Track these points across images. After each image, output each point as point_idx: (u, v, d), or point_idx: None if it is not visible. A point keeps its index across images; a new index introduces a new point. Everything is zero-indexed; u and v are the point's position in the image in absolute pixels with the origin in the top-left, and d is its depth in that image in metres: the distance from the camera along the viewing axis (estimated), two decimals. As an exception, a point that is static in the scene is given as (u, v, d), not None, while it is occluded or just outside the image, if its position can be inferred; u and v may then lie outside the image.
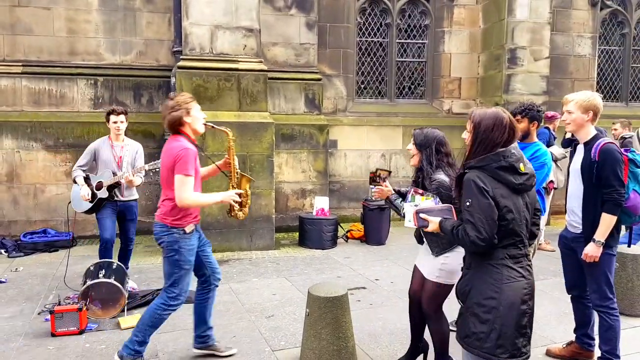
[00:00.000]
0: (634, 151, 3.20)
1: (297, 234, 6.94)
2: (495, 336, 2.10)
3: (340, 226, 7.08)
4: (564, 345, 3.48)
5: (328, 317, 3.14)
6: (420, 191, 2.42)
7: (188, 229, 3.14)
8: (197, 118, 3.23)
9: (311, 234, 6.62)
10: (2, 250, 6.22)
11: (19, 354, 3.47)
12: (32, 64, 6.95)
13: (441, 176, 2.89)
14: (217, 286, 3.43)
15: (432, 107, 8.71)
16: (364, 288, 4.96)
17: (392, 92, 8.57)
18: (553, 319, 4.14)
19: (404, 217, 2.60)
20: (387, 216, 7.02)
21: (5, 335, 3.78)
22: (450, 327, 3.13)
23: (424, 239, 3.00)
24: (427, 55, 8.70)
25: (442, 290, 2.96)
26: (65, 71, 7.04)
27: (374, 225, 6.90)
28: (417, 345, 3.28)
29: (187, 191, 3.03)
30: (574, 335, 3.46)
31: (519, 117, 3.69)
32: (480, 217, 2.08)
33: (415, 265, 3.17)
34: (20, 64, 6.90)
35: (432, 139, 2.98)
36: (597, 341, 3.25)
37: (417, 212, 2.41)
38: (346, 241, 7.02)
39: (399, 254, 6.28)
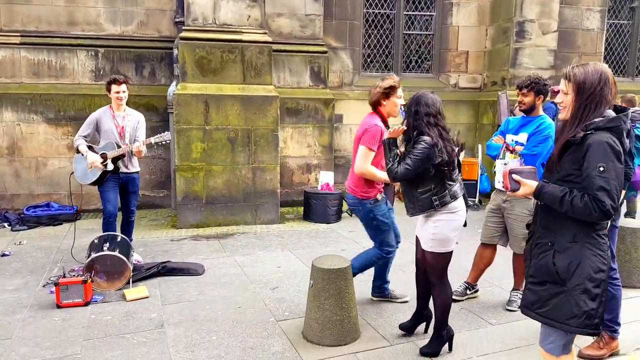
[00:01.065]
0: (639, 127, 3.13)
1: (302, 208, 6.91)
2: (602, 310, 2.01)
3: (345, 201, 7.02)
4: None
5: (331, 289, 3.19)
6: (512, 148, 2.19)
7: (379, 197, 3.55)
8: (394, 103, 3.50)
9: (316, 208, 6.58)
10: (6, 224, 6.21)
11: (24, 325, 3.47)
12: (31, 34, 6.82)
13: (425, 137, 2.88)
14: (397, 247, 3.84)
15: (438, 82, 8.55)
16: (369, 262, 4.93)
17: (399, 65, 8.41)
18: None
19: (390, 162, 2.87)
20: (392, 191, 6.93)
21: (11, 307, 3.78)
22: (454, 297, 3.27)
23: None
24: (434, 28, 8.50)
25: (440, 259, 3.00)
26: (64, 42, 6.91)
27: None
28: (421, 313, 3.32)
29: (366, 162, 3.38)
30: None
31: (525, 90, 3.65)
32: (615, 184, 1.92)
33: (416, 235, 3.22)
34: (18, 34, 6.77)
35: (414, 101, 3.00)
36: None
37: (510, 173, 2.16)
38: (350, 215, 6.97)
39: (402, 227, 6.18)
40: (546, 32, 8.07)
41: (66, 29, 6.94)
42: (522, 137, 3.64)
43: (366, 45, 8.27)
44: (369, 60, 8.34)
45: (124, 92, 4.60)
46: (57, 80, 6.94)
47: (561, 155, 2.08)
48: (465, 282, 4.07)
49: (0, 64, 6.74)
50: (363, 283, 4.22)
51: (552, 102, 6.39)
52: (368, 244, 5.49)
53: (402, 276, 4.42)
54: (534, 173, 2.16)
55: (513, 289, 3.91)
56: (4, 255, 5.02)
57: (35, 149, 6.85)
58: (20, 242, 5.53)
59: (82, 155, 4.55)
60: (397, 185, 3.42)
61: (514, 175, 2.13)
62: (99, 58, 7.05)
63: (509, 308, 3.79)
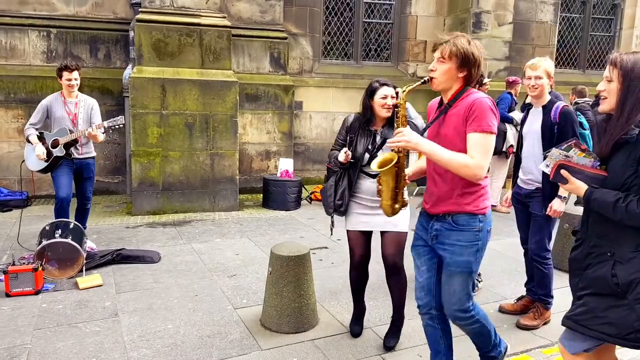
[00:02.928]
0: (581, 115, 3.41)
1: (261, 195, 6.94)
2: None
3: (305, 188, 7.11)
4: (516, 301, 3.70)
5: (290, 276, 3.21)
6: (583, 146, 2.03)
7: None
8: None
9: (275, 195, 6.62)
10: (-49, 210, 5.95)
11: (-29, 315, 3.38)
12: (-24, 11, 6.47)
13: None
14: None
15: (397, 70, 8.69)
16: (325, 248, 5.04)
17: (359, 53, 8.49)
18: (505, 278, 4.35)
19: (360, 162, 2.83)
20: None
21: (-44, 296, 3.66)
22: None
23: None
24: (393, 16, 8.61)
25: (405, 239, 3.04)
26: (15, 22, 6.60)
27: (338, 187, 6.94)
28: (362, 308, 3.33)
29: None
30: (525, 289, 3.69)
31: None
32: None
33: (355, 230, 3.09)
34: (-38, 11, 6.41)
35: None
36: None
37: (561, 166, 1.98)
38: (310, 203, 7.07)
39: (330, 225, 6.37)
40: (502, 23, 8.33)
41: (17, 8, 6.63)
42: None
43: (326, 33, 8.30)
44: (329, 47, 8.37)
45: (75, 79, 4.46)
46: (7, 62, 6.64)
47: (609, 157, 1.87)
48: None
49: (-59, 42, 6.38)
50: (322, 270, 4.33)
51: (508, 93, 6.64)
52: (326, 231, 5.62)
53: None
54: (599, 179, 1.91)
55: None
56: (-52, 243, 4.83)
57: (-18, 133, 6.55)
58: (-34, 229, 5.32)
59: (32, 144, 4.42)
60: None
61: (562, 171, 1.97)
62: (52, 39, 6.78)
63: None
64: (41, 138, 4.47)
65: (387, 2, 8.56)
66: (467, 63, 2.15)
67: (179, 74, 6.19)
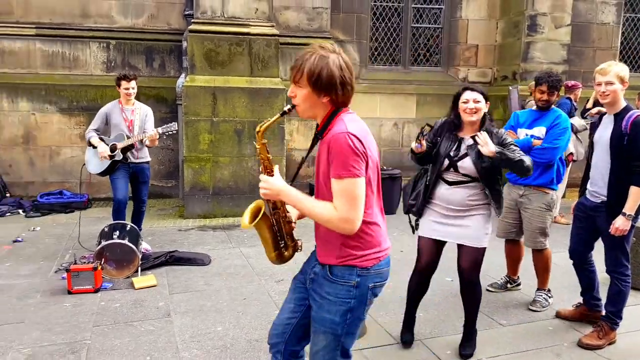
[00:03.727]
0: None
1: (308, 201, 6.97)
2: None
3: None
4: (574, 307, 3.59)
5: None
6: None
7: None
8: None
9: (321, 201, 6.63)
10: (20, 211, 6.39)
11: (36, 310, 3.61)
12: (45, 26, 6.93)
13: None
14: None
15: (447, 75, 8.54)
16: (372, 255, 4.99)
17: (407, 59, 8.41)
18: (565, 293, 4.11)
19: (523, 162, 2.80)
20: (399, 185, 7.02)
21: (24, 291, 3.93)
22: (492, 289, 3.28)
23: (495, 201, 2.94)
24: (443, 21, 8.48)
25: (483, 253, 2.99)
26: (78, 34, 7.03)
27: (385, 195, 6.76)
28: (413, 319, 3.27)
29: None
30: (582, 298, 3.55)
31: (545, 86, 3.59)
32: None
33: (426, 237, 3.07)
34: (33, 25, 6.89)
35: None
36: (603, 301, 3.34)
37: None
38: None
39: (408, 223, 6.28)
40: (559, 25, 8.01)
41: (79, 21, 7.05)
42: (540, 130, 3.63)
43: (373, 39, 8.28)
44: (376, 53, 8.35)
45: (132, 88, 4.71)
46: (71, 72, 7.07)
47: None
48: (505, 275, 4.11)
49: (16, 55, 6.88)
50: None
51: (567, 98, 6.37)
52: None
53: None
54: None
55: (537, 289, 3.87)
56: (17, 241, 5.18)
57: (49, 138, 7.00)
58: (33, 228, 5.70)
59: (94, 147, 4.68)
60: None
61: None
62: (111, 50, 7.15)
63: (532, 308, 3.72)
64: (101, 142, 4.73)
65: (437, 6, 8.44)
66: (324, 86, 1.71)
67: (228, 82, 6.37)
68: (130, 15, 7.21)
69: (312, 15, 7.43)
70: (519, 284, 4.14)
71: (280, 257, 2.09)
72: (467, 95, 2.93)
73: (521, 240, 3.93)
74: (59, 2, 6.95)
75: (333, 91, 1.72)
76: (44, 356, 2.99)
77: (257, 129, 1.87)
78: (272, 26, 6.62)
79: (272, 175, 1.82)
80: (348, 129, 1.69)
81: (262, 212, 1.93)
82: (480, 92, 2.95)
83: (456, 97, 2.99)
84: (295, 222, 2.06)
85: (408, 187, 3.18)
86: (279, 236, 2.04)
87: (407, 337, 3.21)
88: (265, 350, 3.10)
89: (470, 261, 2.96)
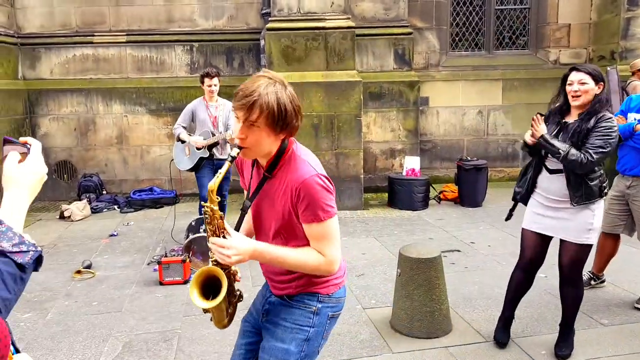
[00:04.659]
0: None
1: (386, 194, 6.84)
2: None
3: (432, 187, 6.85)
4: None
5: (420, 279, 3.09)
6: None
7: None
8: None
9: (401, 194, 6.47)
10: (115, 207, 6.86)
11: (132, 300, 3.82)
12: (135, 33, 7.38)
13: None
14: None
15: (536, 58, 7.95)
16: (458, 251, 4.77)
17: (491, 43, 7.93)
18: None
19: (558, 157, 2.54)
20: (485, 176, 6.65)
21: (121, 282, 4.18)
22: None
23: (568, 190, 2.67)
24: (530, 1, 7.89)
25: (588, 250, 2.77)
26: (164, 38, 7.40)
27: (470, 186, 6.58)
28: (511, 319, 3.07)
29: None
30: None
31: None
32: None
33: (529, 229, 2.88)
34: (124, 33, 7.35)
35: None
36: None
37: None
38: (438, 202, 6.78)
39: (497, 216, 5.94)
40: (665, -2, 7.15)
41: (165, 27, 7.42)
42: None
43: (454, 24, 7.90)
44: (457, 39, 7.96)
45: (215, 85, 4.84)
46: (158, 75, 7.46)
47: None
48: (589, 271, 3.79)
49: (109, 62, 7.39)
50: (454, 274, 4.10)
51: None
52: (459, 233, 5.36)
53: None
54: None
55: None
56: (113, 235, 5.55)
57: (139, 138, 7.45)
58: (128, 223, 6.08)
59: (182, 142, 4.88)
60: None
61: None
62: (194, 52, 7.46)
63: (638, 306, 3.46)
64: (185, 142, 4.91)
65: (522, -15, 7.88)
66: (284, 122, 1.49)
67: (305, 78, 6.37)
68: (211, 17, 7.46)
69: (389, 5, 7.23)
70: (603, 281, 3.84)
71: (230, 320, 1.77)
72: (573, 76, 2.69)
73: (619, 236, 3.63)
74: (146, 9, 7.36)
75: (291, 123, 1.52)
76: (139, 344, 3.14)
77: (210, 186, 1.52)
78: (348, 18, 6.52)
79: (228, 237, 1.52)
80: (315, 170, 1.54)
81: (223, 287, 1.53)
82: (588, 73, 2.65)
83: (563, 79, 2.75)
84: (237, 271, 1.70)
85: (521, 174, 3.00)
86: (229, 299, 1.71)
87: (501, 337, 3.01)
88: (348, 345, 3.05)
89: (571, 257, 2.76)
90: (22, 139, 1.11)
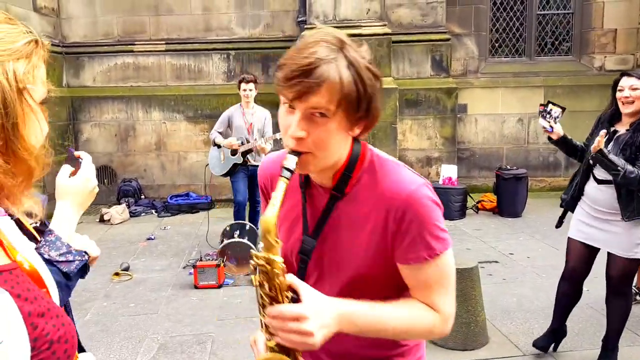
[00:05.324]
0: None
1: (422, 203, 6.70)
2: None
3: (470, 196, 6.67)
4: None
5: (456, 289, 2.96)
6: None
7: None
8: None
9: (437, 203, 6.33)
10: (153, 211, 7.00)
11: (168, 302, 3.87)
12: (174, 41, 7.56)
13: None
14: None
15: (580, 64, 7.67)
16: (496, 262, 4.61)
17: (532, 49, 7.70)
18: None
19: (616, 175, 2.41)
20: (525, 186, 6.44)
21: (158, 285, 4.24)
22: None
23: (619, 204, 2.55)
24: (573, 5, 7.63)
25: (636, 265, 2.67)
26: (201, 47, 7.54)
27: (509, 196, 6.38)
28: (560, 330, 2.95)
29: None
30: None
31: None
32: None
33: (574, 239, 2.78)
34: (163, 42, 7.55)
35: None
36: None
37: None
38: (476, 212, 6.60)
39: (537, 227, 5.74)
40: None
41: (203, 35, 7.57)
42: None
43: (494, 30, 7.73)
44: (496, 45, 7.78)
45: (250, 90, 4.89)
46: (195, 82, 7.61)
47: None
48: (634, 286, 3.60)
49: (149, 69, 7.60)
50: (492, 286, 3.97)
51: None
52: (498, 244, 5.19)
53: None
54: None
55: None
56: (150, 239, 5.66)
57: (177, 145, 7.61)
58: (165, 227, 6.19)
59: (218, 147, 4.93)
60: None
61: None
62: (230, 60, 7.57)
63: None
64: (221, 147, 4.96)
65: (565, -10, 7.64)
66: (369, 102, 0.97)
67: (341, 84, 6.35)
68: (248, 26, 7.57)
69: (426, 11, 7.14)
70: None
71: None
72: (624, 82, 2.58)
73: None
74: (185, 18, 7.53)
75: (374, 110, 0.99)
76: (174, 346, 3.16)
77: (267, 221, 0.92)
78: (384, 25, 6.48)
79: (299, 301, 0.92)
80: (420, 177, 1.05)
81: None
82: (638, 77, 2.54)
83: (614, 85, 2.64)
84: None
85: (570, 181, 2.92)
86: None
87: (540, 342, 2.92)
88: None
89: (619, 270, 2.65)
90: (75, 153, 1.15)
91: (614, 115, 2.66)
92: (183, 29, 7.56)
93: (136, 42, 7.54)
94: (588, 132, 2.84)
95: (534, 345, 2.93)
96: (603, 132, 2.53)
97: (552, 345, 2.97)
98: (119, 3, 7.43)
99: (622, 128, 2.62)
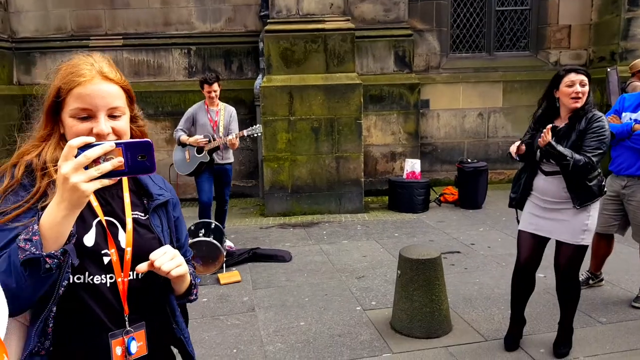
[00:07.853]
0: None
1: (387, 197, 6.79)
2: None
3: (433, 190, 6.80)
4: None
5: (420, 279, 3.10)
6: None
7: None
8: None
9: (401, 197, 6.43)
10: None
11: (131, 303, 3.76)
12: (131, 36, 7.35)
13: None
14: None
15: (537, 60, 7.93)
16: (458, 252, 4.72)
17: (492, 44, 7.91)
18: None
19: (567, 164, 2.47)
20: (485, 179, 6.61)
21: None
22: None
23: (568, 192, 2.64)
24: (530, 2, 7.88)
25: (583, 251, 2.75)
26: (160, 42, 7.38)
27: (470, 189, 6.54)
28: (522, 320, 3.04)
29: None
30: None
31: None
32: None
33: (525, 231, 2.86)
34: (120, 37, 7.33)
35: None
36: None
37: None
38: (439, 205, 6.74)
39: (497, 218, 5.91)
40: (666, -2, 7.13)
41: (162, 30, 7.40)
42: None
43: (454, 25, 7.88)
44: (457, 40, 7.94)
45: (215, 91, 4.80)
46: (155, 79, 7.44)
47: None
48: (587, 271, 3.80)
49: (107, 66, 7.36)
50: (454, 275, 4.07)
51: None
52: (459, 235, 5.32)
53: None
54: None
55: None
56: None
57: (138, 143, 7.40)
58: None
59: (183, 146, 4.83)
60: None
61: None
62: (191, 55, 7.43)
63: (636, 305, 3.46)
64: (186, 145, 4.86)
65: (522, -13, 7.87)
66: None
67: (304, 80, 6.34)
68: (209, 20, 7.45)
69: (389, 6, 7.21)
70: (601, 280, 3.85)
71: None
72: (573, 77, 2.60)
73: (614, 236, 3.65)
74: (142, 12, 7.34)
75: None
76: (137, 347, 3.08)
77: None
78: (348, 20, 6.50)
79: None
80: None
81: None
82: (587, 74, 2.63)
83: (556, 80, 2.68)
84: None
85: (514, 180, 2.98)
86: None
87: (509, 344, 2.97)
88: (349, 346, 3.02)
89: (567, 258, 2.75)
90: None
91: (550, 112, 2.74)
92: (141, 23, 7.37)
93: (91, 37, 7.29)
94: None
95: (507, 346, 2.95)
96: (549, 126, 2.61)
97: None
98: (73, -4, 7.17)
99: (561, 123, 2.70)
